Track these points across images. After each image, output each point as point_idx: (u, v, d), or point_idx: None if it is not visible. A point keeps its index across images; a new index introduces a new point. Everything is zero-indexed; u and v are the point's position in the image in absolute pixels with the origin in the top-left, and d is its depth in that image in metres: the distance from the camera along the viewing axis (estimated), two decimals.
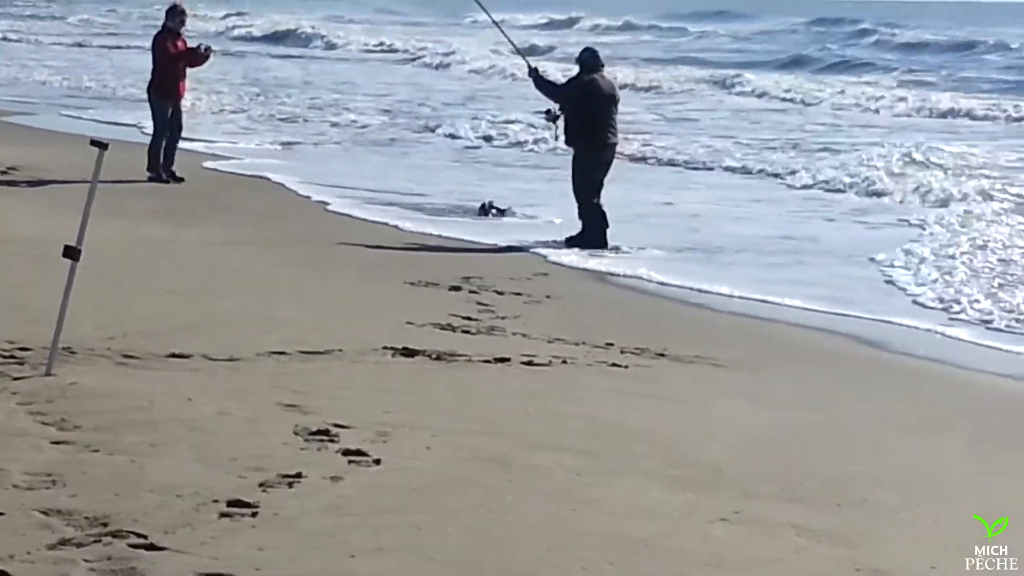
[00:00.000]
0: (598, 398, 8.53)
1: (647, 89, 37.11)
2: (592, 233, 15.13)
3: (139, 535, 5.64)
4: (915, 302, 12.65)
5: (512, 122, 26.37)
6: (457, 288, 12.20)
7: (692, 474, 7.01)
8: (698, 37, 66.45)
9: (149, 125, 19.27)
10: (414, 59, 48.95)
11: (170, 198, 17.09)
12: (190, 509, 5.96)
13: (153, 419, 7.24)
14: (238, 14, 72.03)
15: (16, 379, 7.90)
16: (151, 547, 5.54)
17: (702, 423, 8.22)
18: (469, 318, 10.84)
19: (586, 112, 15.36)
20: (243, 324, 9.82)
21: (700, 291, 12.99)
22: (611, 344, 10.07)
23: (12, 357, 8.34)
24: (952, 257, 14.35)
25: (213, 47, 19.83)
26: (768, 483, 6.96)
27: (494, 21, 18.21)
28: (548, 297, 12.12)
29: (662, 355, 9.93)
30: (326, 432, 7.17)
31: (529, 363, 9.24)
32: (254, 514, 5.96)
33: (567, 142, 15.68)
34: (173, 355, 8.69)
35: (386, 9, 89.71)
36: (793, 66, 46.54)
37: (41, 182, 17.36)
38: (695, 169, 22.28)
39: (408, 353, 9.24)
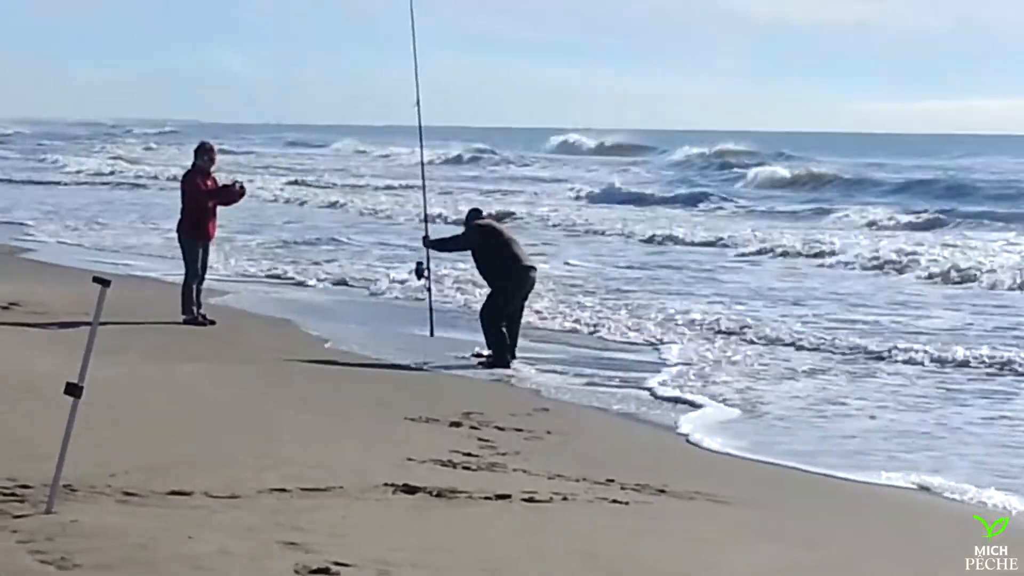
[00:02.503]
0: (599, 535, 8.49)
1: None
2: (499, 354, 16.12)
3: None
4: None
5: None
6: (458, 424, 12.22)
7: None
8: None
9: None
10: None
11: (171, 335, 17.13)
12: None
13: (154, 558, 7.21)
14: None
15: (16, 517, 7.86)
16: None
17: (703, 561, 8.17)
18: (470, 454, 10.83)
19: (493, 250, 16.47)
20: (244, 461, 9.80)
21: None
22: (612, 480, 10.06)
23: (13, 495, 8.31)
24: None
25: (245, 183, 19.80)
26: None
27: (423, 180, 19.52)
28: (549, 433, 12.12)
29: (663, 491, 9.91)
30: (327, 571, 7.13)
31: (530, 500, 9.21)
32: None
33: (488, 283, 16.66)
34: (174, 492, 8.66)
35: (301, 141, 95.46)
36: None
37: (43, 319, 17.39)
38: None
39: (409, 490, 9.21)
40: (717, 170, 66.27)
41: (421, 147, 18.69)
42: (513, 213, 40.13)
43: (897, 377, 15.97)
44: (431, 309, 17.26)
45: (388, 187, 55.23)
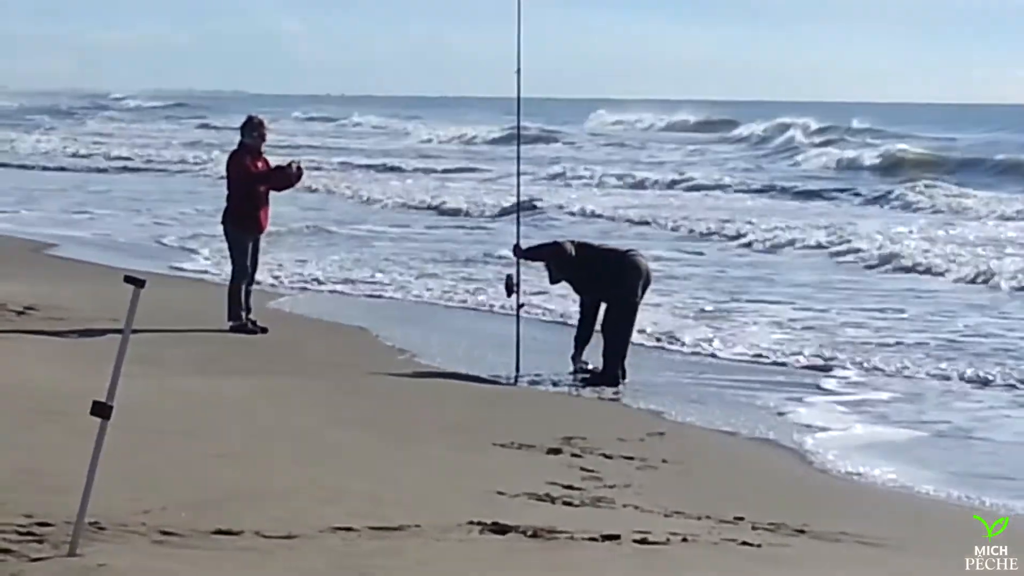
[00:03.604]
0: None
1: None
2: (612, 370, 16.20)
3: None
4: None
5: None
6: (557, 451, 12.23)
7: None
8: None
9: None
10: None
11: (215, 345, 17.27)
12: None
13: None
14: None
15: (34, 560, 7.92)
16: None
17: None
18: (571, 487, 10.83)
19: (588, 257, 16.68)
20: (302, 494, 9.86)
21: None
22: (740, 518, 10.03)
23: (30, 534, 8.38)
24: None
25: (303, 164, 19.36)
26: None
27: (518, 169, 19.27)
28: (665, 461, 12.11)
29: (802, 531, 9.87)
30: None
31: (643, 541, 9.19)
32: None
33: (606, 297, 16.54)
34: (220, 531, 8.71)
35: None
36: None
37: (63, 325, 17.58)
38: None
39: (499, 529, 9.22)
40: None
41: (519, 130, 18.34)
42: (540, 200, 40.09)
43: None
44: (518, 346, 16.49)
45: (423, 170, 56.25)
